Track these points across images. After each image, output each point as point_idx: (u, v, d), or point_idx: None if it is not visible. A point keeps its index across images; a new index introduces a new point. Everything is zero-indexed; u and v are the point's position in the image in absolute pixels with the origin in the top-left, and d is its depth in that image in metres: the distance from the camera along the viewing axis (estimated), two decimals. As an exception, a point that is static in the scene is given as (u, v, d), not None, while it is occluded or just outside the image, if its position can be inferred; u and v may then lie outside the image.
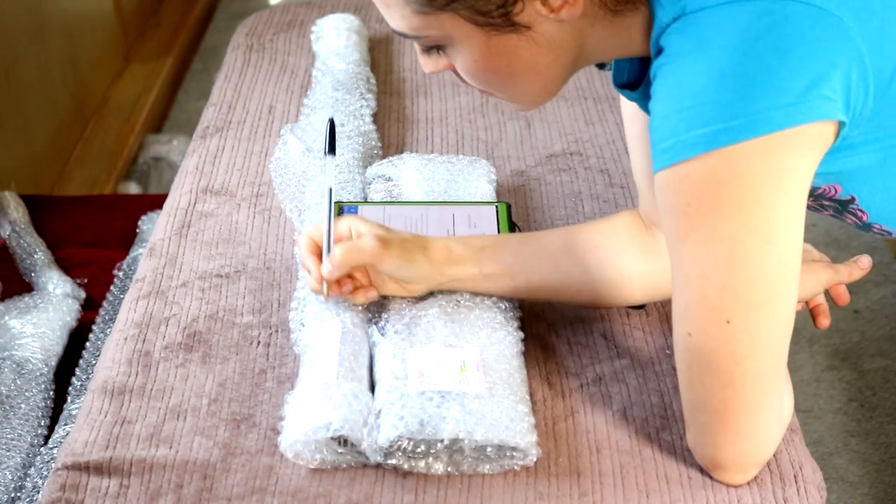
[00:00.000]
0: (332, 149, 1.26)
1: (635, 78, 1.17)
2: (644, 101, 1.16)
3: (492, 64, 1.09)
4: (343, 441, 1.14)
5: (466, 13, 1.05)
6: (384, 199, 1.51)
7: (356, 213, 1.44)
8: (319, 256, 1.25)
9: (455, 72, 1.13)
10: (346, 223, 1.27)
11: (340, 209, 1.44)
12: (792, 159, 1.00)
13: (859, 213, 1.16)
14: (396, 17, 1.09)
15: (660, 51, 1.04)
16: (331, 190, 1.25)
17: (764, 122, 0.97)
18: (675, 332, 1.08)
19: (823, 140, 1.01)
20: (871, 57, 1.00)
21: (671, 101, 1.01)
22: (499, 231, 1.41)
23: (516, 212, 1.55)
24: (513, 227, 1.43)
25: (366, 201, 1.51)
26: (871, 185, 1.11)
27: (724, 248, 1.01)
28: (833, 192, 1.11)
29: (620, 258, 1.29)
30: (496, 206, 1.45)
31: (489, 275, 1.27)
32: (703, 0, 1.01)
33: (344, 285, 1.25)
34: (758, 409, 1.07)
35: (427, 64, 1.14)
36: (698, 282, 1.03)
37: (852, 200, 1.14)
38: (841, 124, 1.01)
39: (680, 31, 1.02)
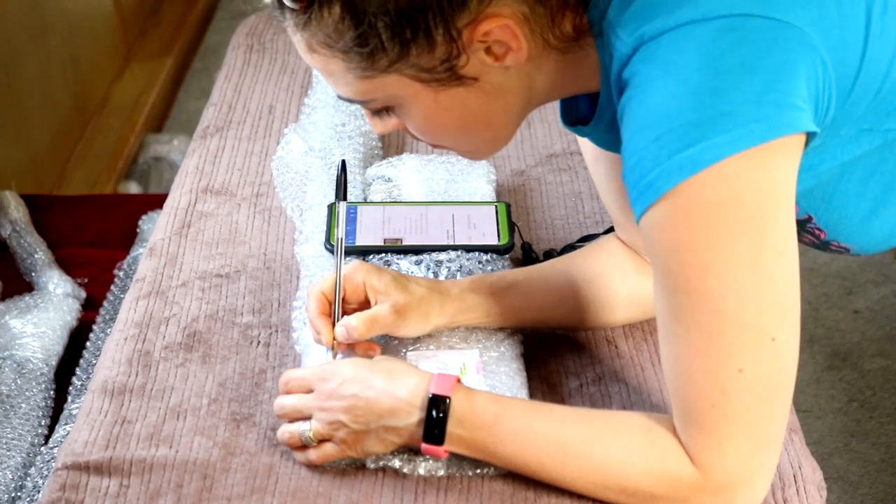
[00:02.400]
0: (343, 195, 1.22)
1: (585, 113, 1.15)
2: (598, 135, 1.15)
3: (442, 119, 1.08)
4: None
5: (411, 72, 1.03)
6: (384, 200, 1.51)
7: (356, 213, 1.44)
8: (329, 315, 1.22)
9: (406, 129, 1.11)
10: (360, 276, 1.22)
11: None
12: (781, 170, 0.98)
13: (817, 232, 1.15)
14: (341, 85, 1.07)
15: (624, 85, 1.01)
16: (340, 240, 1.21)
17: (747, 135, 0.95)
18: (717, 382, 1.01)
19: (798, 150, 1.00)
20: (833, 65, 0.99)
21: (647, 130, 0.98)
22: (498, 231, 1.41)
23: (516, 212, 1.55)
24: (512, 227, 1.43)
25: (366, 202, 1.51)
26: (828, 202, 1.10)
27: (746, 270, 0.98)
28: None
29: (623, 282, 1.29)
30: (496, 206, 1.46)
31: (499, 315, 1.27)
32: (661, 24, 0.98)
33: (357, 348, 1.23)
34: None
35: (377, 125, 1.12)
36: (735, 312, 0.99)
37: (809, 220, 1.13)
38: (809, 136, 1.00)
39: (644, 60, 0.99)
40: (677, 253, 0.99)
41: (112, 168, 2.87)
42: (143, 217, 2.00)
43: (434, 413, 1.08)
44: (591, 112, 1.13)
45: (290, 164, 1.59)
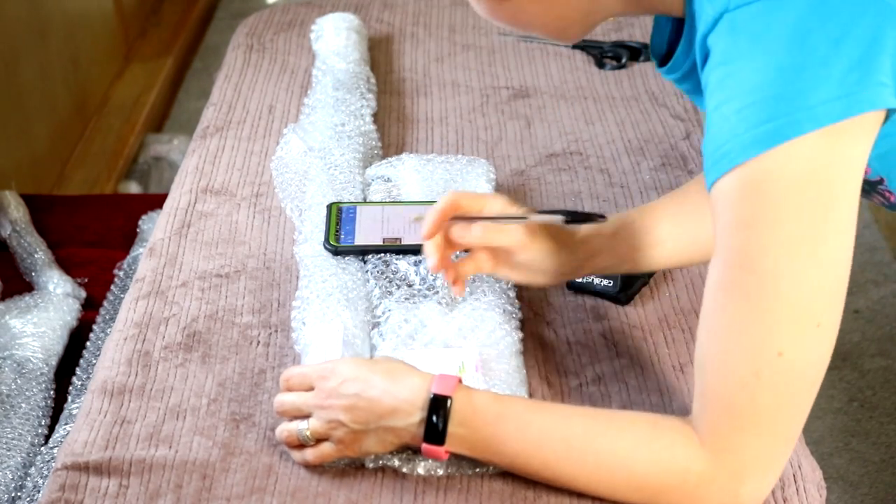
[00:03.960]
0: None
1: (668, 46, 1.16)
2: (682, 82, 1.14)
3: (503, 19, 1.13)
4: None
5: None
6: (383, 200, 1.51)
7: (355, 213, 1.44)
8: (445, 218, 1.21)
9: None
10: (498, 204, 1.23)
11: (339, 209, 1.45)
12: (856, 148, 0.98)
13: (887, 194, 1.14)
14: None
15: (708, 52, 1.02)
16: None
17: (827, 112, 0.95)
18: (753, 362, 1.00)
19: (876, 127, 0.99)
20: None
21: (731, 102, 0.98)
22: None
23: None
24: None
25: (365, 201, 1.51)
26: None
27: (807, 251, 0.98)
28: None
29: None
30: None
31: (622, 259, 1.28)
32: None
33: (449, 272, 1.23)
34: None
35: None
36: (787, 292, 0.98)
37: (881, 181, 1.12)
38: (889, 112, 0.99)
39: (731, 30, 0.99)
40: (741, 228, 0.99)
41: (112, 168, 2.87)
42: (143, 217, 2.00)
43: (435, 413, 1.08)
44: (675, 43, 1.13)
45: (289, 164, 1.60)
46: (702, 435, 1.03)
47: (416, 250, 1.39)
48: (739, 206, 0.99)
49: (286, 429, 1.14)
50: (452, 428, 1.08)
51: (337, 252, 1.39)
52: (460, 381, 1.10)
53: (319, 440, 1.12)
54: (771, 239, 0.98)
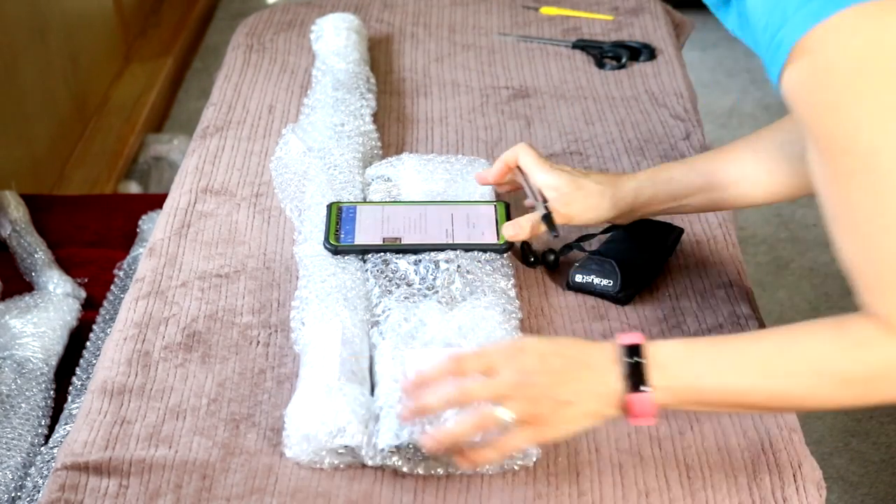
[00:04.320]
0: None
1: None
2: (737, 23, 1.12)
3: None
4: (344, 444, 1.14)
5: None
6: (383, 200, 1.51)
7: (355, 213, 1.44)
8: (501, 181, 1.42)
9: None
10: (542, 179, 1.36)
11: (339, 209, 1.45)
12: None
13: None
14: None
15: None
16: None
17: None
18: (856, 244, 1.00)
19: None
20: None
21: None
22: (497, 231, 1.41)
23: (515, 212, 1.55)
24: None
25: (365, 201, 1.51)
26: None
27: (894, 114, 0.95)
28: None
29: (756, 188, 1.34)
30: (495, 206, 1.46)
31: (682, 203, 1.37)
32: None
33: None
34: None
35: None
36: (894, 163, 0.95)
37: None
38: None
39: None
40: (824, 113, 0.97)
41: (112, 168, 2.87)
42: (143, 217, 2.00)
43: (632, 360, 1.06)
44: None
45: (288, 164, 1.59)
46: (887, 322, 1.00)
47: (415, 250, 1.39)
48: (815, 92, 0.97)
49: (480, 415, 1.06)
50: (655, 380, 1.05)
51: (337, 251, 1.39)
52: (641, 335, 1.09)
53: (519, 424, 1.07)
54: (857, 116, 0.95)
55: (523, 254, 1.42)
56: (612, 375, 1.06)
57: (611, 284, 1.37)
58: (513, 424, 1.07)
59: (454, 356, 1.10)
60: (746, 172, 1.34)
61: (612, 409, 1.08)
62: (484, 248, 1.39)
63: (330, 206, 1.45)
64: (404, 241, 1.40)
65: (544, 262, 1.42)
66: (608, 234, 1.46)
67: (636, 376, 1.06)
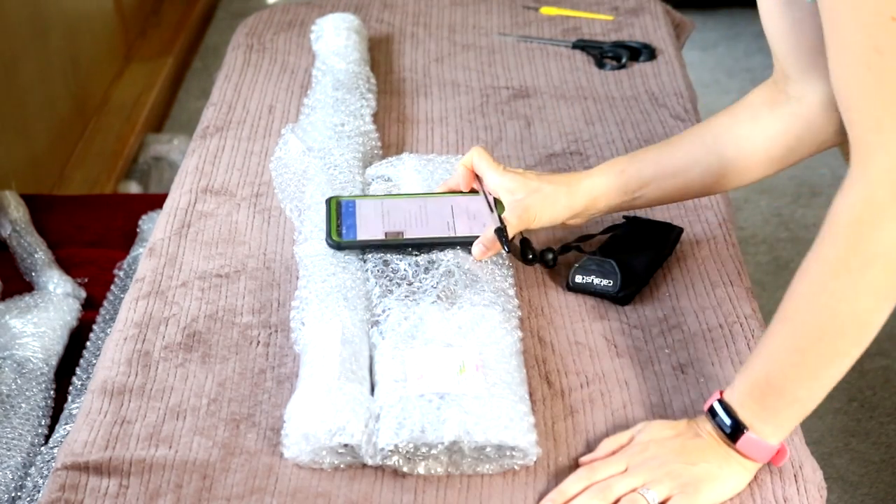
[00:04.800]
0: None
1: None
2: None
3: None
4: (344, 443, 1.14)
5: None
6: (380, 193, 1.50)
7: (354, 207, 1.44)
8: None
9: None
10: (496, 182, 1.37)
11: (339, 204, 1.44)
12: None
13: None
14: None
15: None
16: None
17: None
18: (845, 77, 1.03)
19: None
20: None
21: None
22: (499, 219, 1.39)
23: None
24: None
25: (363, 195, 1.51)
26: None
27: None
28: None
29: (754, 128, 1.33)
30: (494, 198, 1.45)
31: (635, 196, 1.37)
32: None
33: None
34: None
35: None
36: None
37: None
38: None
39: None
40: None
41: (112, 168, 2.87)
42: (143, 217, 2.00)
43: (718, 412, 1.13)
44: None
45: (288, 164, 1.59)
46: (856, 163, 1.03)
47: (418, 244, 1.38)
48: None
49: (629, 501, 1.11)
50: (742, 416, 1.11)
51: (340, 248, 1.39)
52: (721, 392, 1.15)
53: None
54: None
55: (522, 251, 1.42)
56: (713, 433, 1.14)
57: (611, 284, 1.37)
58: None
59: (587, 468, 1.15)
60: (696, 160, 1.36)
61: (738, 463, 1.13)
62: None
63: (329, 201, 1.44)
64: (407, 236, 1.39)
65: (542, 260, 1.42)
66: (608, 235, 1.46)
67: (725, 421, 1.13)
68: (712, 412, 1.14)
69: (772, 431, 1.12)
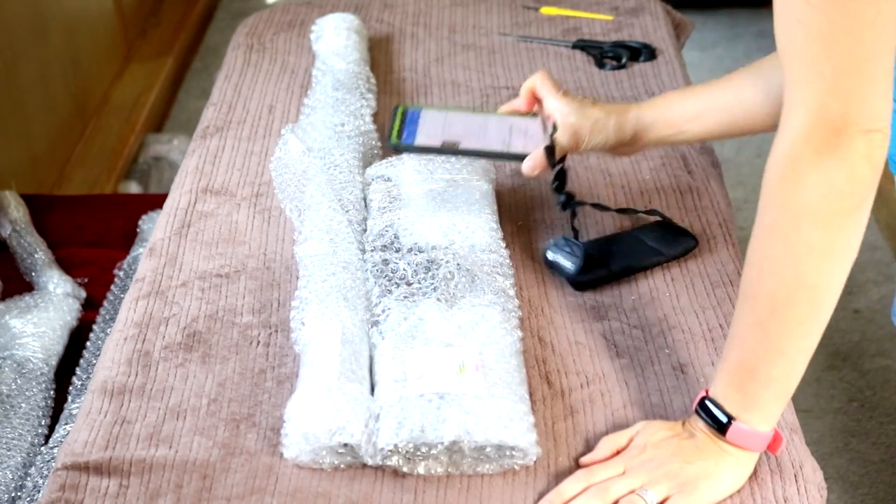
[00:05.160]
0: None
1: None
2: None
3: None
4: (344, 442, 1.14)
5: None
6: (382, 200, 1.50)
7: (419, 116, 1.47)
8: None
9: None
10: (553, 105, 1.43)
11: (405, 111, 1.49)
12: None
13: None
14: None
15: None
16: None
17: None
18: (780, 31, 1.04)
19: None
20: None
21: None
22: (550, 138, 1.43)
23: (516, 212, 1.55)
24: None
25: (430, 106, 1.55)
26: None
27: None
28: None
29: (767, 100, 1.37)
30: (552, 121, 1.48)
31: (682, 130, 1.43)
32: None
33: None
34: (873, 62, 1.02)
35: None
36: None
37: None
38: None
39: None
40: None
41: (112, 168, 2.87)
42: (143, 217, 2.00)
43: (704, 407, 1.13)
44: None
45: (288, 164, 1.59)
46: (782, 121, 1.04)
47: (472, 154, 1.45)
48: None
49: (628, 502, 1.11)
50: (728, 407, 1.12)
51: (398, 150, 1.46)
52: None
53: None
54: None
55: (555, 178, 1.43)
56: (705, 430, 1.14)
57: (571, 267, 1.39)
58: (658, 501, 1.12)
59: (585, 470, 1.15)
60: (744, 97, 1.38)
61: (734, 458, 1.13)
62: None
63: (396, 108, 1.49)
64: (462, 146, 1.43)
65: (561, 198, 1.44)
66: (622, 233, 1.48)
67: (714, 415, 1.13)
68: (701, 410, 1.14)
69: (760, 418, 1.11)
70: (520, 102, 1.48)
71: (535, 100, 1.47)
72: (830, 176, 1.02)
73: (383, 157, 1.67)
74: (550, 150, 1.40)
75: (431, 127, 1.46)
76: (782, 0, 1.02)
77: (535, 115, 1.48)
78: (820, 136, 1.02)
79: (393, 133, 1.45)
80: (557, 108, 1.43)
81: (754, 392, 1.11)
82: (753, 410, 1.11)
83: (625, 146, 1.45)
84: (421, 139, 1.44)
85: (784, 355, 1.10)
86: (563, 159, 1.41)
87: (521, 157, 1.42)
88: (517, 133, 1.45)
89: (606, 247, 1.44)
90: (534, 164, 1.41)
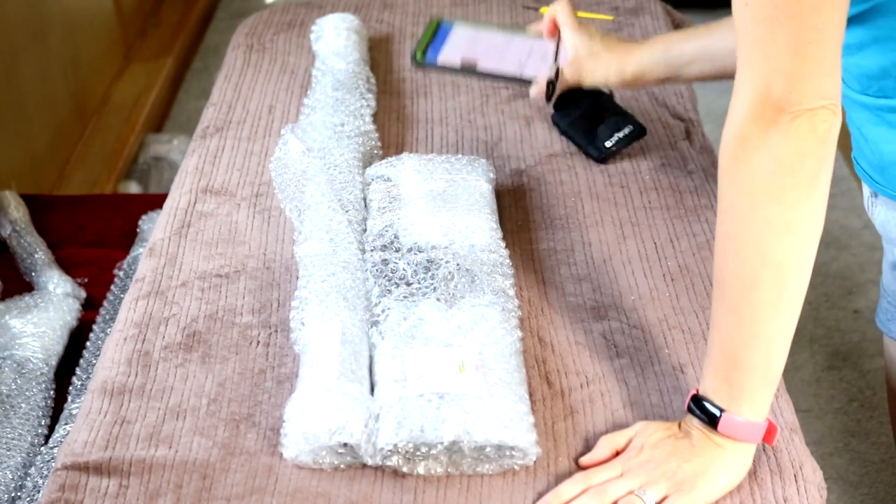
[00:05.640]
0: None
1: None
2: None
3: None
4: (344, 443, 1.14)
5: None
6: (382, 199, 1.50)
7: (449, 31, 1.59)
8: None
9: None
10: (566, 37, 1.54)
11: (438, 25, 1.61)
12: None
13: None
14: None
15: None
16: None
17: None
18: (734, 14, 1.06)
19: None
20: None
21: None
22: (554, 75, 1.54)
23: (516, 212, 1.55)
24: None
25: (465, 21, 1.64)
26: None
27: None
28: None
29: None
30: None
31: (679, 73, 1.52)
32: None
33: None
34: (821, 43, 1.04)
35: None
36: None
37: None
38: None
39: None
40: None
41: (112, 168, 2.87)
42: (143, 217, 2.00)
43: (697, 405, 1.14)
44: None
45: (288, 164, 1.60)
46: (731, 103, 1.07)
47: (486, 76, 1.55)
48: None
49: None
50: (717, 400, 1.12)
51: (420, 66, 1.54)
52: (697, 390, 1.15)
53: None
54: None
55: (549, 93, 1.54)
56: (697, 423, 1.14)
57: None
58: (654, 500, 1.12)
59: (583, 473, 1.15)
60: (733, 48, 1.38)
61: (731, 452, 1.13)
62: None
63: (430, 22, 1.59)
64: (480, 66, 1.54)
65: (550, 91, 1.54)
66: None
67: (707, 413, 1.13)
68: (692, 407, 1.14)
69: (749, 408, 1.12)
70: (542, 27, 1.58)
71: (556, 28, 1.57)
72: (779, 152, 1.04)
73: (383, 157, 1.67)
74: (552, 84, 1.49)
75: (456, 44, 1.55)
76: None
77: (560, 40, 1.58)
78: (766, 116, 1.04)
79: (418, 49, 1.54)
80: (570, 40, 1.53)
81: (739, 381, 1.11)
82: (742, 401, 1.11)
83: (625, 84, 1.55)
84: (443, 57, 1.53)
85: (759, 339, 1.10)
86: (561, 93, 1.54)
87: (530, 82, 1.54)
88: (535, 56, 1.56)
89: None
90: (537, 90, 1.53)
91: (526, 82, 1.54)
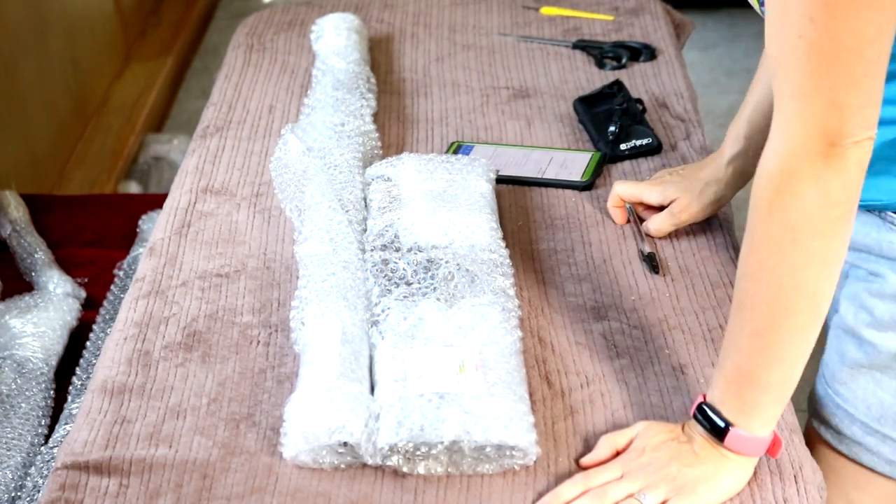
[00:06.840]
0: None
1: None
2: None
3: None
4: (344, 442, 1.14)
5: None
6: (382, 199, 1.50)
7: (470, 151, 1.65)
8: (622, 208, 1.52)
9: None
10: (656, 194, 1.49)
11: (459, 146, 1.67)
12: None
13: None
14: None
15: None
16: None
17: None
18: (777, 45, 1.04)
19: None
20: None
21: None
22: (583, 172, 1.60)
23: (516, 211, 1.55)
24: (599, 171, 1.61)
25: (479, 141, 1.69)
26: None
27: None
28: None
29: None
30: (591, 154, 1.64)
31: (736, 187, 1.49)
32: None
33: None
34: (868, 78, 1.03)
35: None
36: None
37: None
38: None
39: None
40: None
41: (112, 168, 2.87)
42: (143, 217, 2.00)
43: (702, 413, 1.13)
44: None
45: (288, 164, 1.59)
46: (774, 132, 1.05)
47: (507, 181, 1.60)
48: None
49: None
50: (725, 413, 1.12)
51: None
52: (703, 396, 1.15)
53: None
54: None
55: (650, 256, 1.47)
56: (704, 435, 1.14)
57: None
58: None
59: (583, 474, 1.15)
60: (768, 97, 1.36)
61: (734, 462, 1.13)
62: (566, 185, 1.59)
63: (450, 145, 1.68)
64: (502, 174, 1.59)
65: (655, 263, 1.46)
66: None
67: (711, 422, 1.13)
68: (699, 415, 1.14)
69: (759, 424, 1.11)
70: (616, 218, 1.52)
71: (625, 209, 1.52)
72: (827, 187, 1.03)
73: (383, 157, 1.67)
74: (651, 255, 1.45)
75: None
76: (781, 15, 1.02)
77: (580, 150, 1.65)
78: (818, 150, 1.02)
79: None
80: (652, 197, 1.49)
81: (753, 398, 1.11)
82: (752, 416, 1.11)
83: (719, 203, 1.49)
84: None
85: (783, 362, 1.10)
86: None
87: (550, 184, 1.58)
88: (554, 164, 1.62)
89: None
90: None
91: (546, 184, 1.59)
